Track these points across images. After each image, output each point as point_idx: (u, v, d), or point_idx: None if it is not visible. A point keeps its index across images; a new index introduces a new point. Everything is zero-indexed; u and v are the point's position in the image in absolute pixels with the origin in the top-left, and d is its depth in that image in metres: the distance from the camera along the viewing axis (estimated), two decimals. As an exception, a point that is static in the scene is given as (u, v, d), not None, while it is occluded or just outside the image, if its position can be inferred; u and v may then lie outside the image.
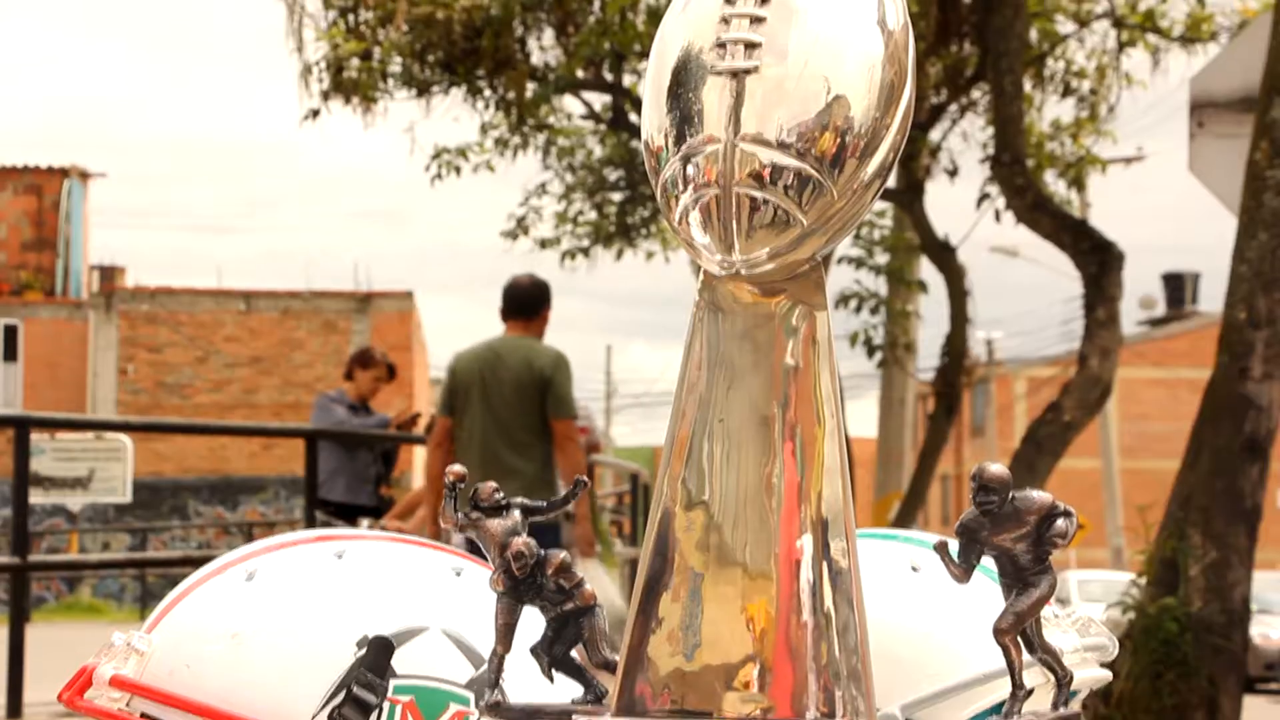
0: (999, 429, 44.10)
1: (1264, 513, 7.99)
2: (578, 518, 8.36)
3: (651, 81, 1.63)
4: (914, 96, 1.65)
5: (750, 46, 1.55)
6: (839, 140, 1.56)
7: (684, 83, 1.58)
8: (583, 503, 8.56)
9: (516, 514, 1.74)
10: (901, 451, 22.96)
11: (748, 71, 1.55)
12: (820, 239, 1.60)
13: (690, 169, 1.57)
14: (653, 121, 1.62)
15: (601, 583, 8.12)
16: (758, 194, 1.55)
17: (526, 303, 8.18)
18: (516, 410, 7.93)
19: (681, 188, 1.58)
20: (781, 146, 1.54)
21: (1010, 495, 1.62)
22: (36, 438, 11.05)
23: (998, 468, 1.62)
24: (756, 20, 1.56)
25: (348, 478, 10.73)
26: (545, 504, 1.77)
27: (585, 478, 1.86)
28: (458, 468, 1.73)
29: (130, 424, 16.69)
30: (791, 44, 1.56)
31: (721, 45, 1.57)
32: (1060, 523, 1.62)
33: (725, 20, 1.57)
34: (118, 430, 13.16)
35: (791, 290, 1.64)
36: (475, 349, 8.23)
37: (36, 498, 11.72)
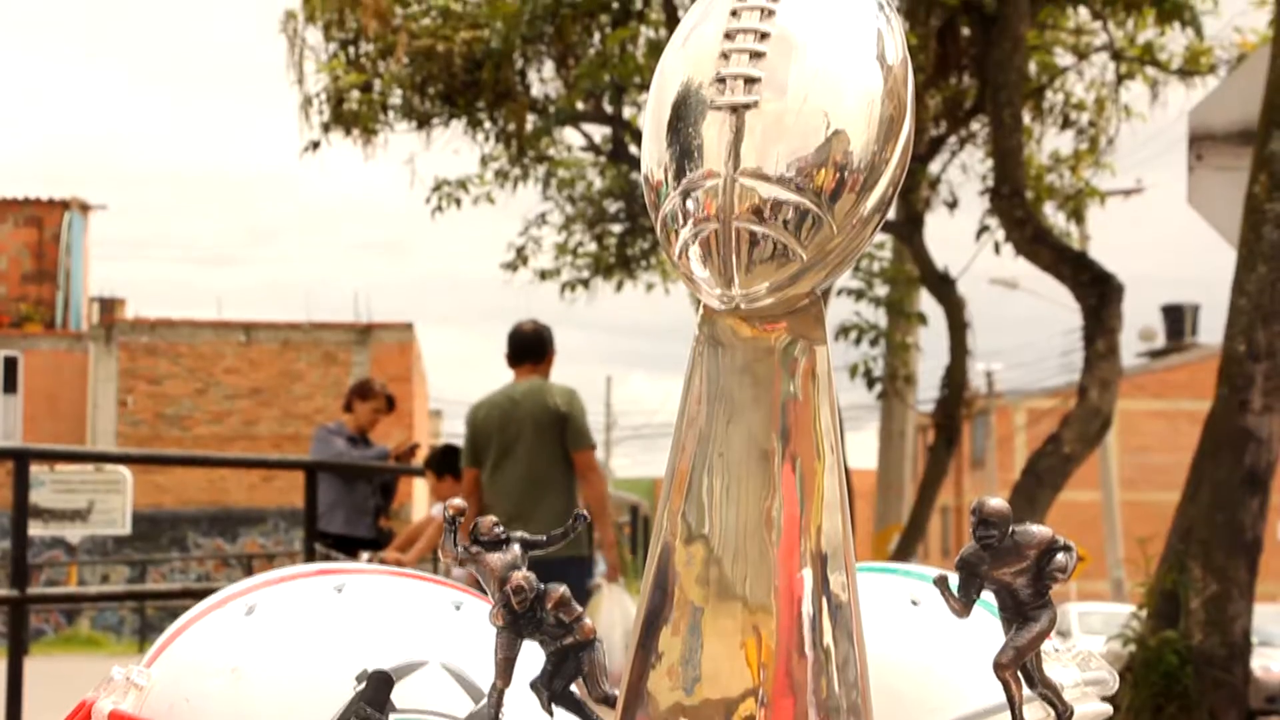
0: (999, 461, 44.10)
1: (1264, 545, 7.99)
2: (605, 545, 8.68)
3: (651, 116, 1.64)
4: (914, 131, 1.66)
5: (750, 82, 1.56)
6: (838, 175, 1.56)
7: (683, 117, 1.59)
8: (609, 530, 9.00)
9: (516, 548, 1.74)
10: (901, 483, 22.96)
11: (747, 106, 1.56)
12: (820, 273, 1.60)
13: (690, 204, 1.58)
14: (652, 156, 1.62)
15: (628, 608, 8.20)
16: (757, 229, 1.56)
17: (533, 346, 8.58)
18: (538, 449, 8.28)
19: (681, 222, 1.59)
20: (781, 181, 1.55)
21: (1010, 529, 1.62)
22: (36, 470, 11.04)
23: (997, 502, 1.62)
24: (756, 55, 1.57)
25: (347, 510, 10.72)
26: (545, 538, 1.77)
27: (585, 512, 1.86)
28: (456, 501, 1.73)
29: (130, 456, 16.68)
30: (791, 79, 1.56)
31: (721, 80, 1.57)
32: (1060, 557, 1.62)
33: (725, 55, 1.58)
34: (117, 462, 13.15)
35: (791, 324, 1.64)
36: (491, 398, 8.59)
37: (36, 530, 11.70)
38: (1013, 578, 1.63)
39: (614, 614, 8.11)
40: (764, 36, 1.58)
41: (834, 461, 1.64)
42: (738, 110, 1.56)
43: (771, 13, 1.59)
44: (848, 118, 1.57)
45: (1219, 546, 7.85)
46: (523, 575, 1.70)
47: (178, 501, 31.70)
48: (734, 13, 1.60)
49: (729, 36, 1.59)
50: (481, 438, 8.47)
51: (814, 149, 1.56)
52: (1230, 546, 7.85)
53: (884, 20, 1.64)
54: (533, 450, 8.29)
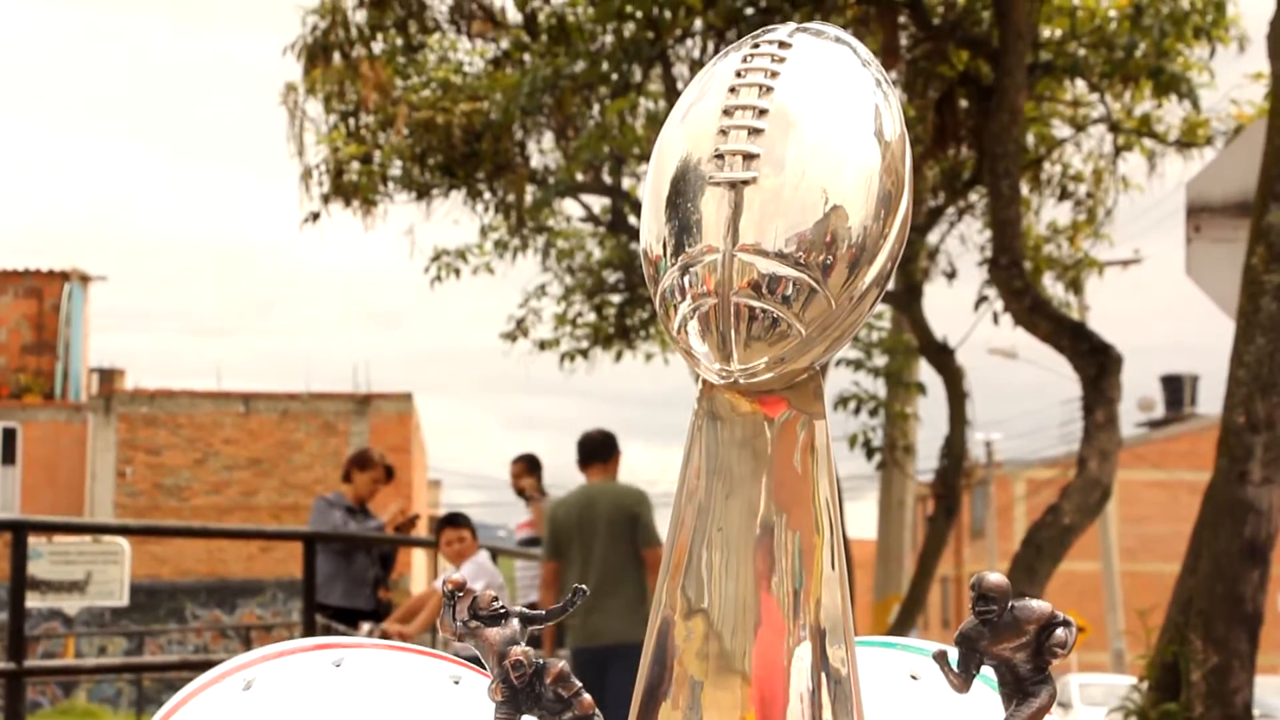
0: (999, 531, 44.02)
1: (1265, 617, 7.97)
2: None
3: (650, 191, 1.65)
4: (911, 206, 1.66)
5: (748, 158, 1.57)
6: (837, 250, 1.57)
7: (682, 193, 1.60)
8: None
9: (515, 623, 1.74)
10: (901, 553, 22.91)
11: (746, 182, 1.56)
12: (819, 348, 1.60)
13: (688, 279, 1.58)
14: (651, 231, 1.63)
15: None
16: (756, 303, 1.56)
17: (601, 450, 9.48)
18: (611, 545, 9.13)
19: (680, 297, 1.59)
20: (779, 256, 1.56)
21: (1009, 605, 1.62)
22: (34, 541, 11.02)
23: (996, 577, 1.62)
24: (754, 132, 1.58)
25: (346, 581, 10.69)
26: (544, 613, 1.77)
27: (584, 587, 1.86)
28: (456, 576, 1.73)
29: (128, 527, 16.65)
30: (789, 155, 1.57)
31: (720, 156, 1.58)
32: (1060, 632, 1.61)
33: (723, 132, 1.59)
34: (115, 533, 13.14)
35: (790, 399, 1.64)
36: (569, 498, 9.56)
37: (33, 601, 11.68)
38: (1012, 653, 1.62)
39: None
40: (762, 113, 1.59)
41: (833, 536, 1.65)
42: (736, 186, 1.57)
43: (770, 89, 1.60)
44: (846, 193, 1.58)
45: (1219, 618, 7.83)
46: (521, 650, 1.70)
47: (175, 572, 31.62)
48: (732, 89, 1.61)
49: (727, 113, 1.60)
50: (562, 534, 9.28)
51: (812, 224, 1.56)
52: (1231, 618, 7.82)
53: (881, 96, 1.65)
54: (607, 546, 9.10)
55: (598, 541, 9.15)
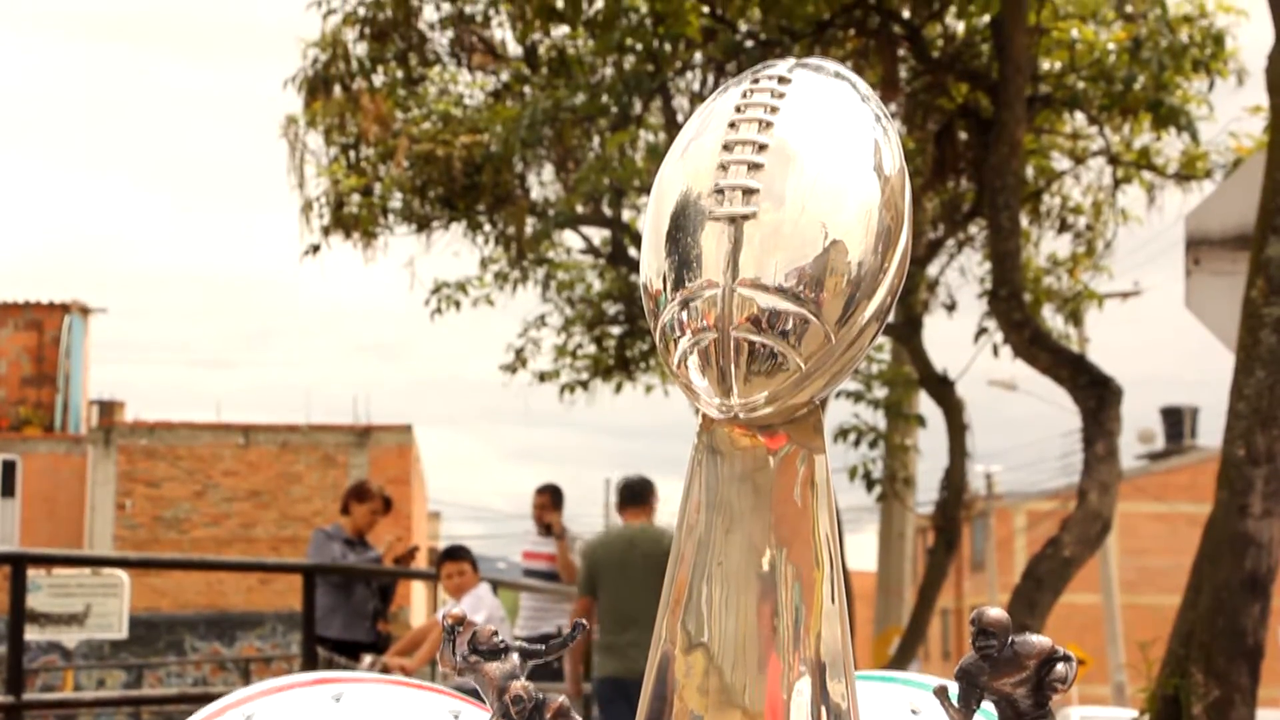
0: (999, 563, 43.95)
1: (1266, 650, 7.95)
2: None
3: (650, 225, 1.65)
4: (911, 240, 1.67)
5: (748, 193, 1.57)
6: (836, 285, 1.57)
7: (682, 227, 1.60)
8: None
9: (515, 657, 1.74)
10: (901, 585, 22.86)
11: (745, 217, 1.57)
12: (818, 382, 1.60)
13: (688, 313, 1.58)
14: (652, 265, 1.63)
15: None
16: (756, 338, 1.56)
17: (640, 494, 9.79)
18: (647, 585, 9.30)
19: (680, 332, 1.59)
20: (779, 291, 1.56)
21: (1010, 639, 1.62)
22: (33, 574, 11.00)
23: (996, 612, 1.62)
24: (754, 167, 1.58)
25: (345, 614, 10.67)
26: (544, 647, 1.77)
27: (584, 621, 1.85)
28: (456, 611, 1.72)
29: (127, 560, 16.63)
30: (789, 190, 1.57)
31: (720, 191, 1.58)
32: (1060, 667, 1.61)
33: (723, 167, 1.59)
34: (114, 566, 13.11)
35: (790, 433, 1.64)
36: (607, 537, 9.96)
37: (32, 634, 11.65)
38: (1013, 688, 1.62)
39: None
40: (762, 148, 1.59)
41: (833, 570, 1.64)
42: (736, 221, 1.57)
43: (769, 124, 1.60)
44: (845, 228, 1.58)
45: (1220, 651, 7.81)
46: (521, 685, 1.70)
47: (175, 605, 31.55)
48: (732, 124, 1.61)
49: (727, 148, 1.60)
50: (599, 571, 9.54)
51: (812, 259, 1.56)
52: (1232, 652, 7.81)
53: (881, 131, 1.65)
54: (644, 584, 9.30)
55: (636, 580, 9.39)
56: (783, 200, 1.57)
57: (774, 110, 1.61)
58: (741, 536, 1.63)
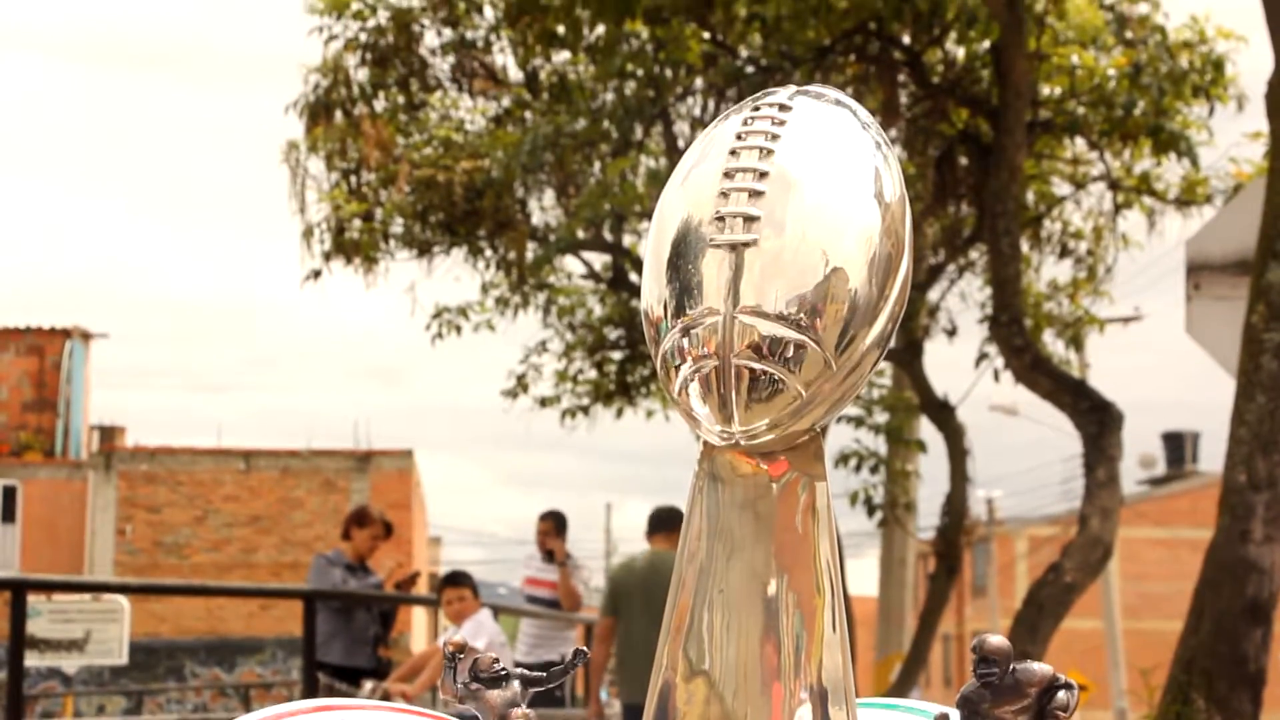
0: (1000, 588, 43.90)
1: (1268, 677, 7.93)
2: None
3: (651, 253, 1.65)
4: (912, 266, 1.67)
5: (749, 220, 1.57)
6: (837, 312, 1.57)
7: (683, 255, 1.60)
8: None
9: (516, 685, 1.74)
10: (902, 611, 22.82)
11: (746, 245, 1.57)
12: (819, 410, 1.60)
13: (689, 340, 1.59)
14: (652, 293, 1.63)
15: None
16: (757, 365, 1.56)
17: (669, 521, 9.80)
18: None
19: (681, 359, 1.59)
20: (780, 319, 1.56)
21: (1011, 667, 1.62)
22: (33, 599, 11.00)
23: (997, 639, 1.62)
24: (755, 194, 1.58)
25: (346, 639, 10.65)
26: (545, 674, 1.77)
27: (585, 649, 1.85)
28: (457, 638, 1.72)
29: (128, 586, 16.62)
30: (789, 217, 1.58)
31: (720, 218, 1.58)
32: (1061, 695, 1.61)
33: (724, 194, 1.59)
34: (114, 592, 13.10)
35: (791, 460, 1.64)
36: (633, 561, 10.04)
37: (32, 660, 11.63)
38: (1014, 716, 1.62)
39: None
40: (763, 175, 1.59)
41: (834, 597, 1.64)
42: (737, 248, 1.57)
43: (770, 152, 1.61)
44: (846, 255, 1.58)
45: (1222, 678, 7.80)
46: (522, 713, 1.70)
47: (175, 630, 31.53)
48: (733, 151, 1.62)
49: (728, 175, 1.60)
50: (623, 594, 9.63)
51: (813, 286, 1.57)
52: (1233, 678, 7.79)
53: (881, 158, 1.65)
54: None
55: (659, 607, 9.37)
56: (783, 227, 1.57)
57: (775, 138, 1.61)
58: (743, 563, 1.63)
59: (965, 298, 17.33)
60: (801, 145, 1.62)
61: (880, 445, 16.54)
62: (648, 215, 15.16)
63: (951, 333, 17.22)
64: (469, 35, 16.80)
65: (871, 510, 16.25)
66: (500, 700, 1.72)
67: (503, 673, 1.74)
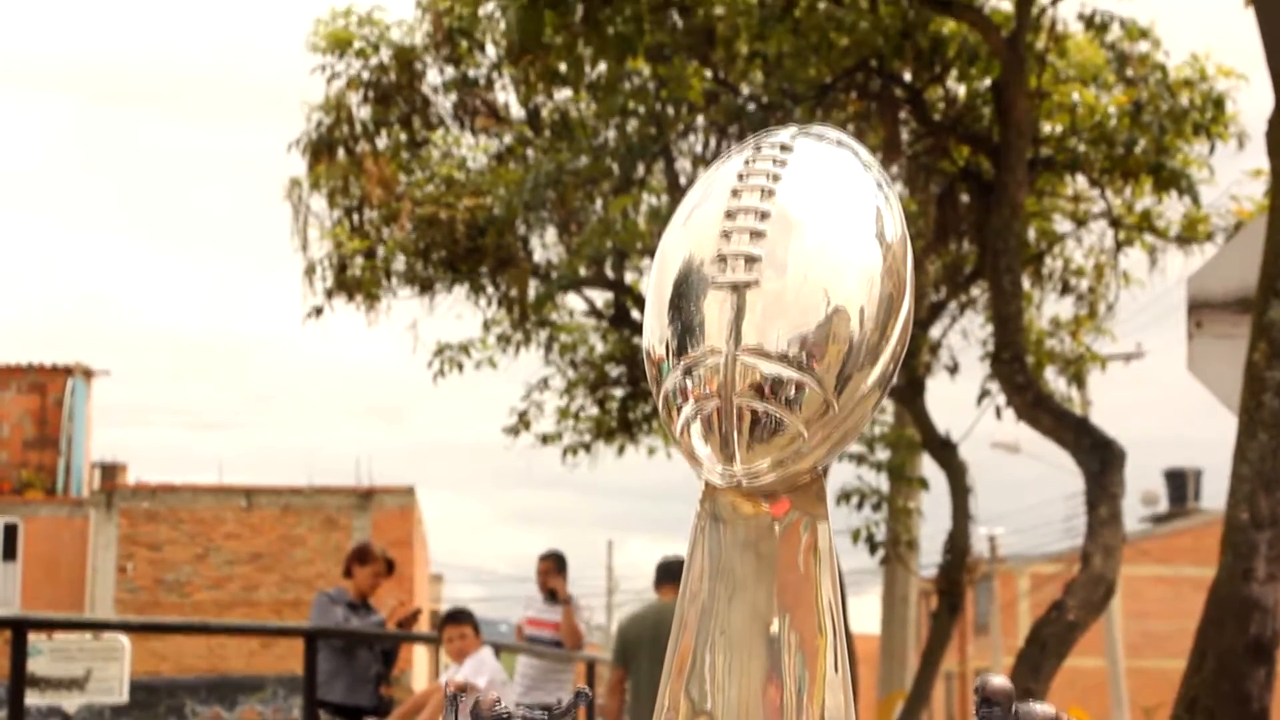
0: (1003, 626, 43.78)
1: (1271, 715, 7.91)
2: None
3: (653, 292, 1.65)
4: (913, 306, 1.67)
5: (750, 260, 1.57)
6: (838, 352, 1.57)
7: (685, 295, 1.60)
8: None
9: (517, 725, 1.73)
10: (905, 648, 22.78)
11: (748, 285, 1.57)
12: (821, 449, 1.60)
13: (692, 380, 1.58)
14: (654, 332, 1.63)
15: None
16: (759, 406, 1.56)
17: (676, 573, 9.55)
18: None
19: (683, 399, 1.59)
20: (782, 359, 1.56)
21: (1013, 708, 1.61)
22: (34, 638, 10.97)
23: (1000, 680, 1.61)
24: (756, 234, 1.58)
25: (348, 678, 10.62)
26: (547, 716, 1.76)
27: (587, 689, 1.85)
28: (459, 678, 1.72)
29: (129, 624, 16.61)
30: (791, 258, 1.58)
31: (722, 259, 1.58)
32: (1064, 735, 1.61)
33: (726, 234, 1.59)
34: (115, 630, 13.07)
35: (793, 500, 1.64)
36: (642, 612, 10.18)
37: (33, 699, 11.60)
38: (1017, 756, 1.62)
39: None
40: (764, 216, 1.59)
41: (836, 637, 1.64)
42: (739, 289, 1.57)
43: (771, 192, 1.61)
44: (848, 296, 1.58)
45: (1225, 717, 7.77)
46: (524, 754, 1.69)
47: (176, 669, 31.44)
48: (735, 192, 1.62)
49: (730, 215, 1.60)
50: (632, 646, 9.79)
51: (814, 326, 1.57)
52: (1237, 717, 7.77)
53: (883, 198, 1.65)
54: None
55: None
56: (785, 268, 1.57)
57: (776, 178, 1.61)
58: (745, 604, 1.63)
59: (967, 335, 17.33)
60: (803, 186, 1.62)
61: (882, 482, 16.53)
62: (649, 252, 15.17)
63: (953, 370, 17.22)
64: (471, 73, 16.85)
65: (873, 548, 16.22)
66: (502, 741, 1.72)
67: (504, 714, 1.73)
